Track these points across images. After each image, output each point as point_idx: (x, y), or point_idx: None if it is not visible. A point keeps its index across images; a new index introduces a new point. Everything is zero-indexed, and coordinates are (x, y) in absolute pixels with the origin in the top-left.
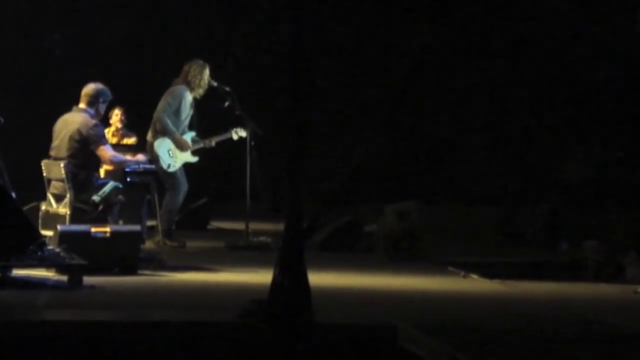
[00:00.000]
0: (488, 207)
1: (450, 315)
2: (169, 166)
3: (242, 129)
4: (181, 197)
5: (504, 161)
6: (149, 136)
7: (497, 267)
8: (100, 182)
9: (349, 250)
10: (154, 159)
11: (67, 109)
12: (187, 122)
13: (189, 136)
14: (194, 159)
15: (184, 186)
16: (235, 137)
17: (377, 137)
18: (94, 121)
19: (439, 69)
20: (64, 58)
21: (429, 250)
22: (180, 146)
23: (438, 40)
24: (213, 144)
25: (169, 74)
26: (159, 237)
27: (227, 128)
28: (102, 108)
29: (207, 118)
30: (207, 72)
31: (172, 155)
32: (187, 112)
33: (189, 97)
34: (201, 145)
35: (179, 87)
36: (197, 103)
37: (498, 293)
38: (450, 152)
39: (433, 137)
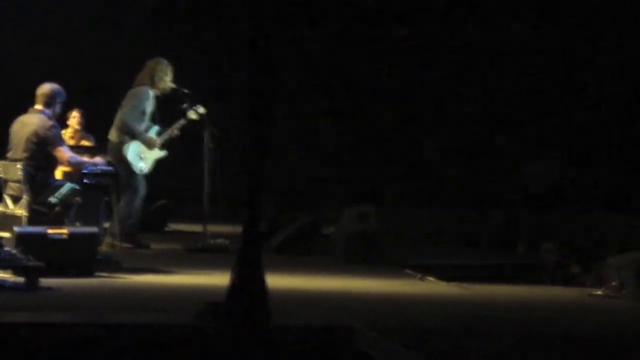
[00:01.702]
0: (446, 210)
1: (407, 318)
2: (141, 169)
3: (194, 110)
4: (140, 199)
5: (463, 164)
6: (113, 137)
7: (455, 269)
8: (57, 183)
9: (307, 253)
10: (120, 162)
11: (23, 110)
12: (149, 118)
13: (153, 131)
14: (164, 154)
15: (144, 189)
16: (194, 116)
17: (339, 139)
18: (50, 122)
19: (407, 67)
20: (17, 58)
21: (387, 252)
22: (150, 145)
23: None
24: (177, 132)
25: (126, 75)
26: (114, 239)
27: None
28: (59, 109)
29: (166, 119)
30: (170, 72)
31: (143, 157)
32: (150, 109)
33: (151, 95)
34: (167, 136)
35: (142, 89)
36: (157, 100)
37: (455, 295)
38: (411, 155)
39: (394, 139)
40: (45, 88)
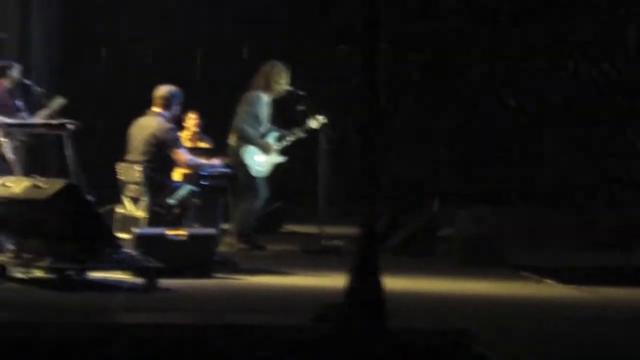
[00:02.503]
0: (565, 210)
1: (524, 321)
2: (259, 173)
3: (319, 116)
4: (261, 202)
5: (584, 163)
6: (232, 141)
7: (574, 271)
8: (175, 185)
9: (424, 255)
10: (240, 166)
11: (142, 112)
12: (267, 122)
13: (272, 136)
14: (282, 159)
15: (265, 192)
16: (314, 125)
17: (452, 141)
18: (168, 125)
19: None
20: (139, 62)
21: (503, 255)
22: (265, 150)
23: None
24: (301, 134)
25: (243, 77)
26: (233, 240)
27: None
28: (176, 110)
29: (286, 121)
30: (285, 75)
31: (261, 161)
32: (265, 113)
33: (265, 99)
34: (288, 142)
35: (254, 94)
36: (274, 102)
37: (574, 298)
38: (527, 154)
39: (508, 139)
40: (163, 90)
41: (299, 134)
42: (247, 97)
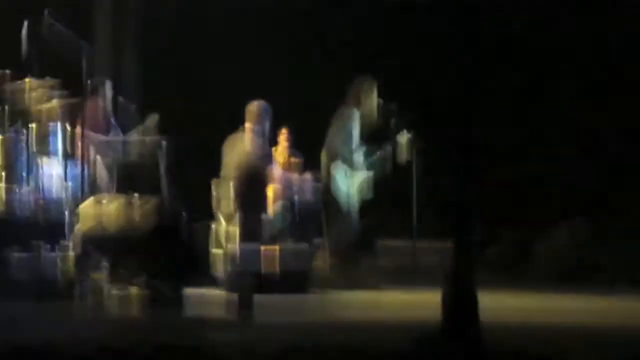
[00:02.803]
0: None
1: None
2: (346, 189)
3: (406, 132)
4: (354, 217)
5: None
6: (324, 157)
7: None
8: (269, 203)
9: (519, 269)
10: (329, 181)
11: (235, 128)
12: (359, 139)
13: (361, 153)
14: (370, 175)
15: (355, 210)
16: (403, 141)
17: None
18: (261, 141)
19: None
20: (226, 81)
21: (602, 269)
22: (353, 167)
23: None
24: (390, 150)
25: (333, 92)
26: (328, 256)
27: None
28: (268, 126)
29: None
30: (374, 90)
31: (349, 176)
32: (357, 130)
33: (357, 116)
34: (376, 159)
35: (347, 111)
36: (365, 118)
37: None
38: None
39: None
40: (254, 106)
41: (388, 150)
42: (339, 113)
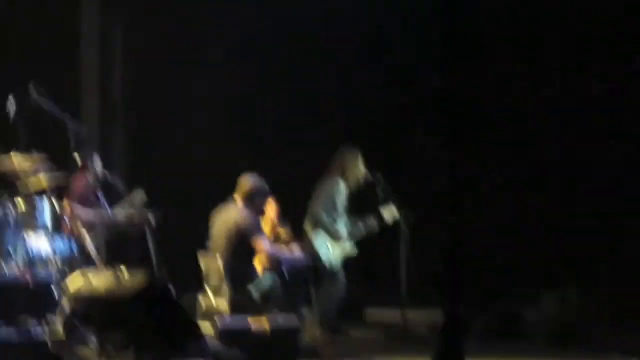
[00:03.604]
0: None
1: None
2: (329, 260)
3: (389, 207)
4: (340, 288)
5: None
6: (307, 227)
7: None
8: (257, 274)
9: (508, 339)
10: (312, 252)
11: (223, 198)
12: (344, 213)
13: (347, 226)
14: (354, 252)
15: (341, 280)
16: (388, 216)
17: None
18: (250, 214)
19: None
20: (220, 149)
21: (592, 338)
22: (335, 239)
23: None
24: (376, 225)
25: (318, 163)
26: (315, 329)
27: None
28: (260, 204)
29: (358, 206)
30: (360, 160)
31: (331, 248)
32: (342, 203)
33: (343, 189)
34: (363, 233)
35: (333, 180)
36: (352, 192)
37: None
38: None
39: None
40: (245, 179)
41: (374, 225)
42: (324, 183)
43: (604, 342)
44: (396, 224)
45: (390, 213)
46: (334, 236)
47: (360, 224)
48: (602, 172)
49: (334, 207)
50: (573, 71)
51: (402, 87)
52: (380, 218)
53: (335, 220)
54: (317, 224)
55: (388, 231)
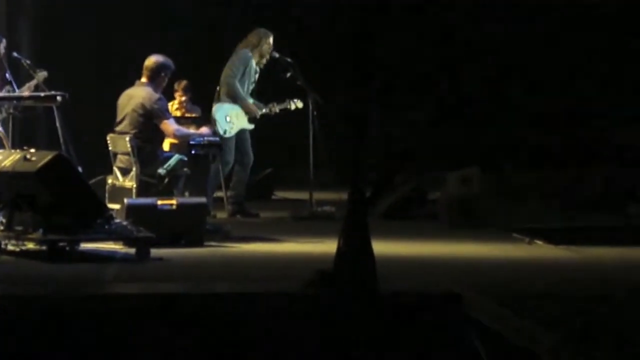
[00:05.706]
0: (552, 172)
1: (515, 282)
2: (225, 132)
3: (299, 100)
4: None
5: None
6: (217, 95)
7: (563, 232)
8: (165, 155)
9: (413, 218)
10: (212, 123)
11: (131, 82)
12: (250, 88)
13: (250, 102)
14: (250, 126)
15: (230, 155)
16: (292, 107)
17: (440, 104)
18: (157, 95)
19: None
20: (127, 30)
21: (493, 216)
22: (248, 112)
23: None
24: (277, 110)
25: (231, 45)
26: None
27: (285, 99)
28: (164, 81)
29: (270, 88)
30: (270, 40)
31: (230, 121)
32: (251, 78)
33: (253, 63)
34: (264, 111)
35: (244, 51)
36: (260, 72)
37: (564, 259)
38: (516, 116)
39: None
40: (151, 61)
41: (276, 110)
42: (237, 54)
43: (504, 222)
44: (301, 109)
45: (294, 105)
46: (246, 110)
47: (264, 106)
48: None
49: (242, 80)
50: None
51: None
52: (284, 106)
53: (245, 91)
54: (229, 96)
55: (298, 114)
